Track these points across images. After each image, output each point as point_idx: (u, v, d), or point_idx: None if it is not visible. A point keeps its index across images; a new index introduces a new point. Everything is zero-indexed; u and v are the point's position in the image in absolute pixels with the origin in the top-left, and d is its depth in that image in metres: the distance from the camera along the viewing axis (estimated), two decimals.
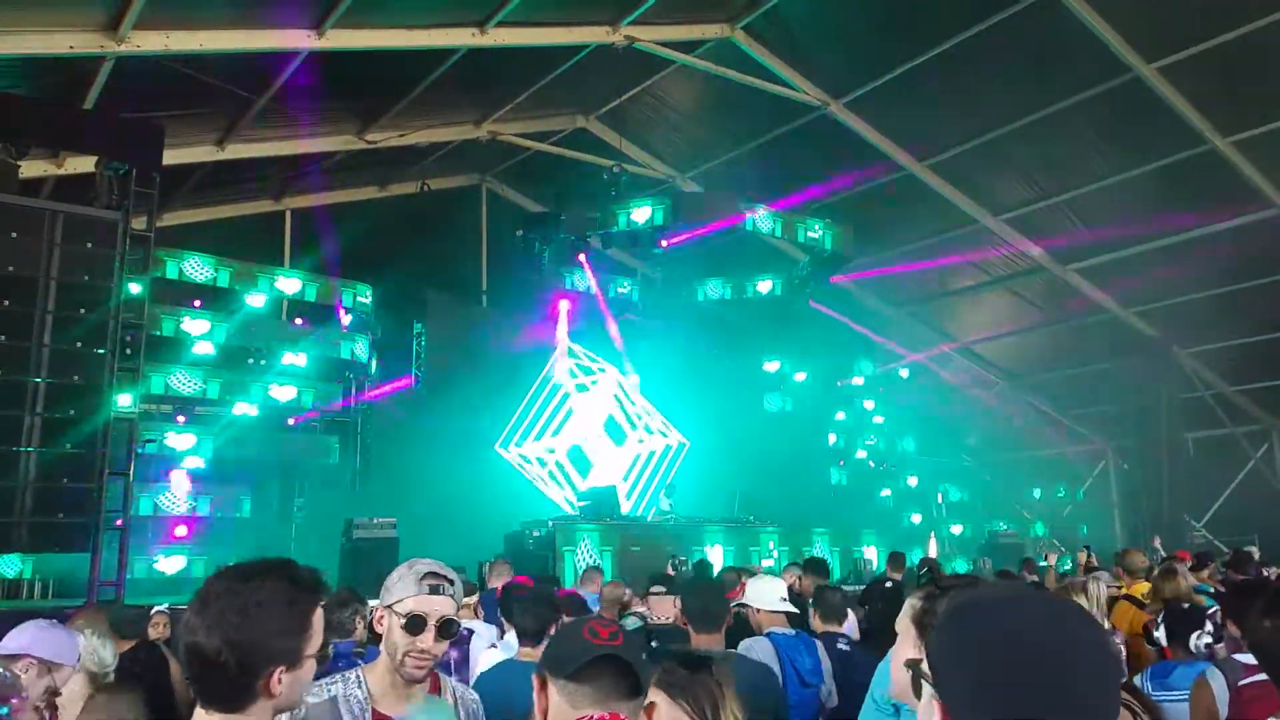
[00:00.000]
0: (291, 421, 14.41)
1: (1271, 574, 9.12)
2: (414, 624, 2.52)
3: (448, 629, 2.54)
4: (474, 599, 7.23)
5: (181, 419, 13.59)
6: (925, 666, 1.29)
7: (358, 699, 2.53)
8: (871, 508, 19.58)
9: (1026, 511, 22.03)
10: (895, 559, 10.70)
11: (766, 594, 4.96)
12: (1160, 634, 4.45)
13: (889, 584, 7.86)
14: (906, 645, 2.22)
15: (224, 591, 1.84)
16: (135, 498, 10.64)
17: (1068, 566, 13.47)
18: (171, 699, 5.39)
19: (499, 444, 16.69)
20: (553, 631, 4.26)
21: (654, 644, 4.96)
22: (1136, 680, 4.23)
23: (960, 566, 15.33)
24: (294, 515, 14.00)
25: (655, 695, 2.29)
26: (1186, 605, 4.69)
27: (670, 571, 8.95)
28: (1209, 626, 4.47)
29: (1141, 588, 6.92)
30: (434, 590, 2.57)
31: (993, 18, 11.98)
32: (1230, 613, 4.16)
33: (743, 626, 5.18)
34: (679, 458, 18.75)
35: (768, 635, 4.72)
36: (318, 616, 1.95)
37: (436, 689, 2.70)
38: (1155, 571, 6.71)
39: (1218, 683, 3.66)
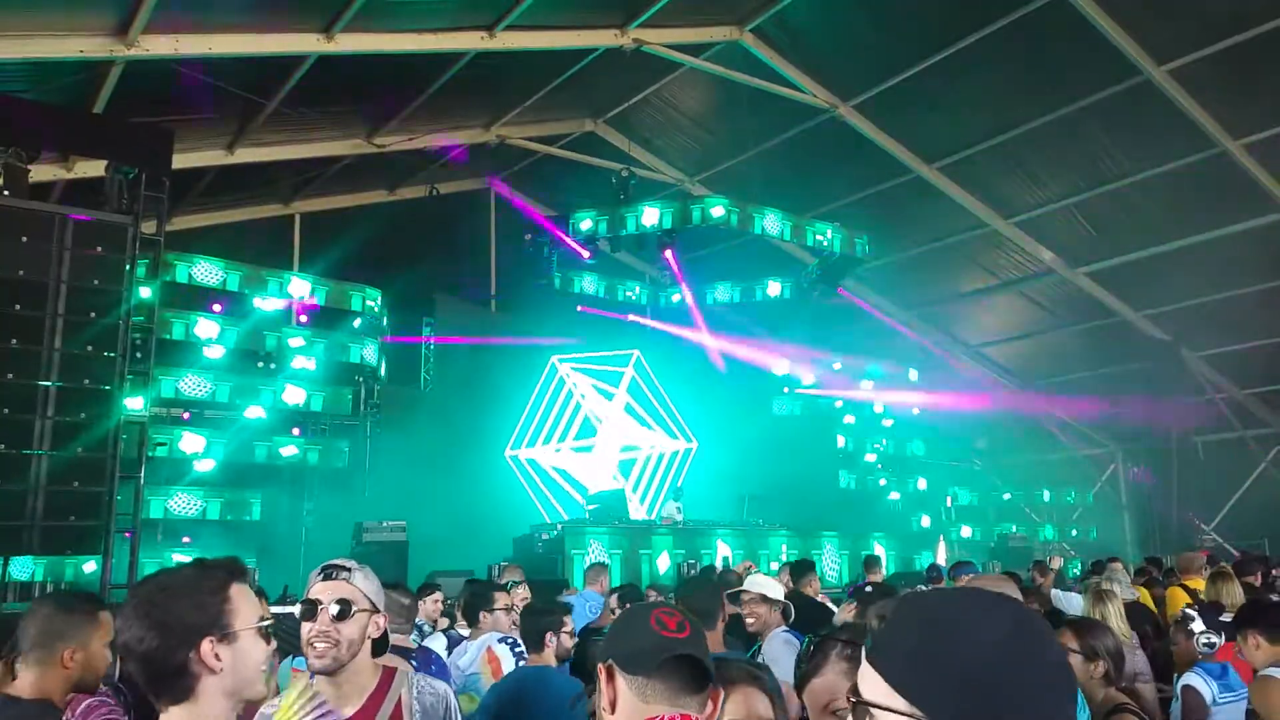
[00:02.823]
0: (299, 427, 14.42)
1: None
2: (306, 609, 2.59)
3: (345, 609, 2.57)
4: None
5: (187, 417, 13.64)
6: (877, 694, 1.16)
7: None
8: (880, 511, 19.54)
9: (1036, 515, 21.97)
10: (870, 563, 10.57)
11: (771, 586, 5.01)
12: (1213, 637, 4.43)
13: (868, 589, 7.84)
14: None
15: (137, 588, 1.96)
16: (146, 501, 10.66)
17: (1075, 571, 13.45)
18: None
19: (509, 448, 16.70)
20: (550, 639, 4.29)
21: None
22: (1194, 681, 4.20)
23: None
24: (303, 518, 14.02)
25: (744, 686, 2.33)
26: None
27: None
28: (1202, 625, 4.47)
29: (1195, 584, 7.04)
30: (327, 576, 2.64)
31: (1002, 20, 11.96)
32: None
33: (734, 630, 5.17)
34: (686, 461, 18.77)
35: (786, 631, 4.74)
36: (237, 591, 2.00)
37: (386, 689, 2.69)
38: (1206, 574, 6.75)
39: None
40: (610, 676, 1.81)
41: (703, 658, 1.78)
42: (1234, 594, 6.02)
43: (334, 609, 2.57)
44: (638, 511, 17.35)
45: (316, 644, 2.55)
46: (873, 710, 1.15)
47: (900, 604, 1.22)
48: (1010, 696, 1.08)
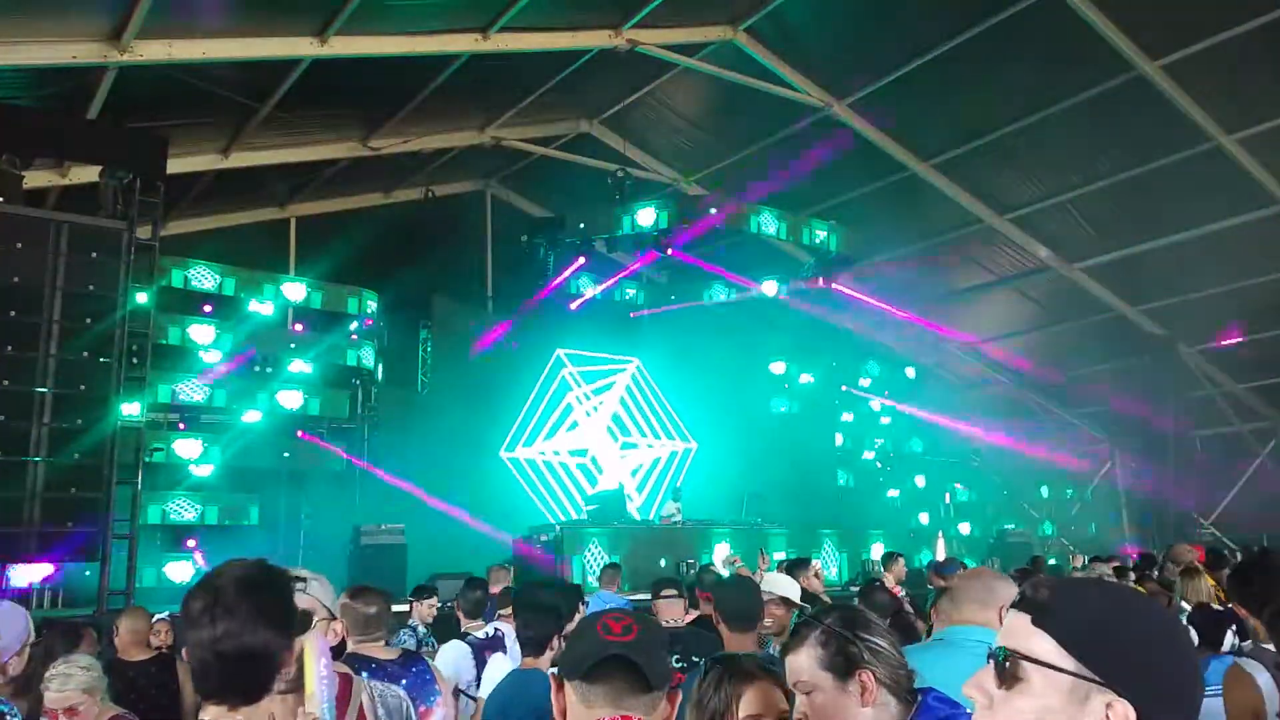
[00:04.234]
0: (299, 432, 14.40)
1: None
2: None
3: (306, 620, 2.50)
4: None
5: (184, 426, 13.63)
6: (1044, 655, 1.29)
7: None
8: (879, 509, 19.56)
9: (1034, 511, 21.98)
10: (889, 559, 10.50)
11: (790, 587, 4.95)
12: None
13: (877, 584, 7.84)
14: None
15: (242, 591, 1.94)
16: (143, 506, 10.66)
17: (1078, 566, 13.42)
18: (179, 712, 5.43)
19: (504, 449, 16.69)
20: (555, 642, 4.25)
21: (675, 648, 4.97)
22: None
23: (970, 565, 15.25)
24: (302, 522, 14.01)
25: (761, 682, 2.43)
26: (1218, 608, 4.65)
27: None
28: (1234, 625, 4.43)
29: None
30: None
31: (996, 17, 11.95)
32: (1232, 595, 4.02)
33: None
34: (686, 462, 18.76)
35: None
36: None
37: (347, 695, 2.68)
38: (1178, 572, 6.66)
39: (1263, 677, 3.39)
40: (559, 685, 1.82)
41: (639, 660, 1.76)
42: (1201, 590, 5.90)
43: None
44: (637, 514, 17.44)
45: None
46: (1024, 665, 1.27)
47: (1072, 580, 1.54)
48: (1168, 675, 1.25)
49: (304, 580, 2.69)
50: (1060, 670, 1.24)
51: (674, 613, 5.54)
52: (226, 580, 1.95)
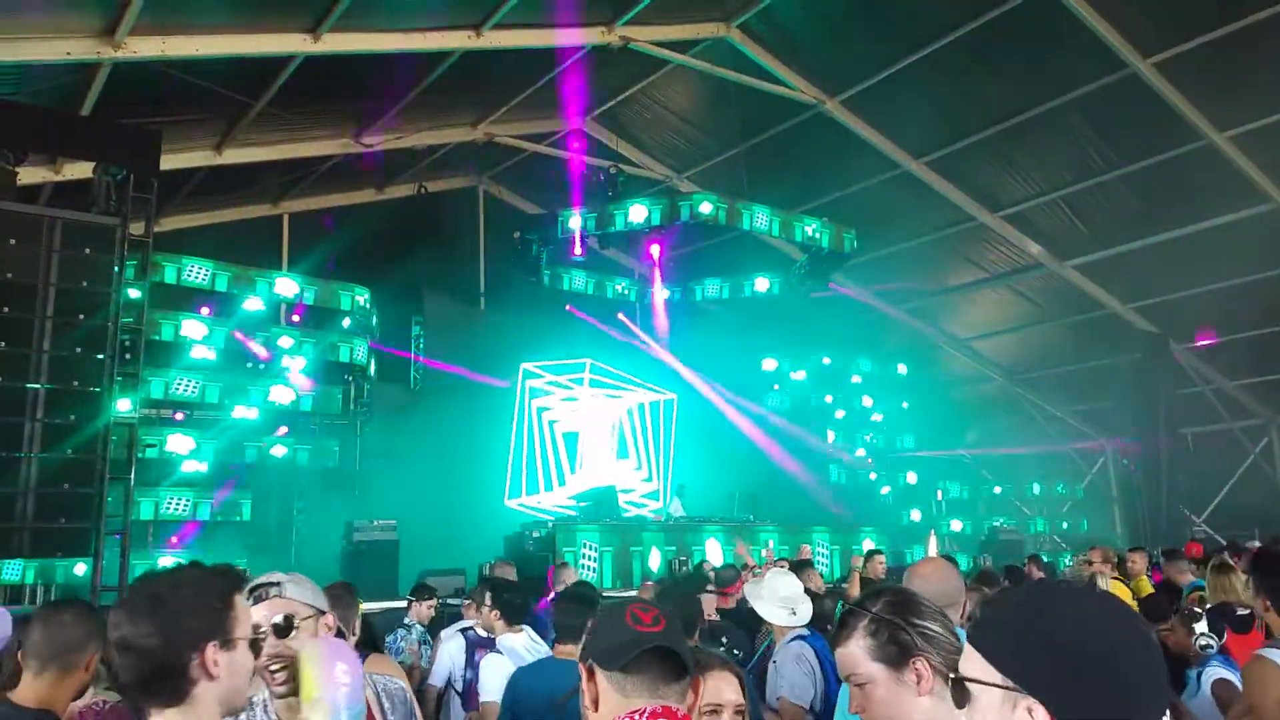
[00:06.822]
0: (288, 427, 14.39)
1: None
2: (253, 642, 2.40)
3: (287, 624, 2.50)
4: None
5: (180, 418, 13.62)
6: (975, 672, 1.28)
7: None
8: (871, 505, 19.60)
9: (1026, 508, 22.04)
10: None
11: (769, 598, 4.87)
12: (1212, 640, 4.41)
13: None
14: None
15: (142, 585, 1.95)
16: (136, 502, 10.64)
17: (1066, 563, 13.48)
18: None
19: (506, 498, 16.65)
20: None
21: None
22: (1227, 673, 4.23)
23: (961, 563, 15.31)
24: (294, 518, 14.00)
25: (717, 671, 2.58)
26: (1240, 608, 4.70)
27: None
28: (1205, 627, 4.47)
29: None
30: (257, 599, 2.52)
31: (988, 14, 11.99)
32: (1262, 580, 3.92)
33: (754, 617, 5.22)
34: (672, 414, 18.77)
35: (800, 638, 4.64)
36: (239, 599, 2.05)
37: None
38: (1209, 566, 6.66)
39: None
40: (590, 675, 1.84)
41: (678, 649, 1.80)
42: (1236, 589, 5.86)
43: (275, 628, 2.48)
44: (644, 486, 17.47)
45: (275, 671, 2.45)
46: (970, 687, 1.26)
47: (1003, 591, 1.34)
48: (1104, 672, 1.18)
49: (276, 584, 2.58)
50: (988, 684, 1.24)
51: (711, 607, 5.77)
52: (135, 581, 1.97)
